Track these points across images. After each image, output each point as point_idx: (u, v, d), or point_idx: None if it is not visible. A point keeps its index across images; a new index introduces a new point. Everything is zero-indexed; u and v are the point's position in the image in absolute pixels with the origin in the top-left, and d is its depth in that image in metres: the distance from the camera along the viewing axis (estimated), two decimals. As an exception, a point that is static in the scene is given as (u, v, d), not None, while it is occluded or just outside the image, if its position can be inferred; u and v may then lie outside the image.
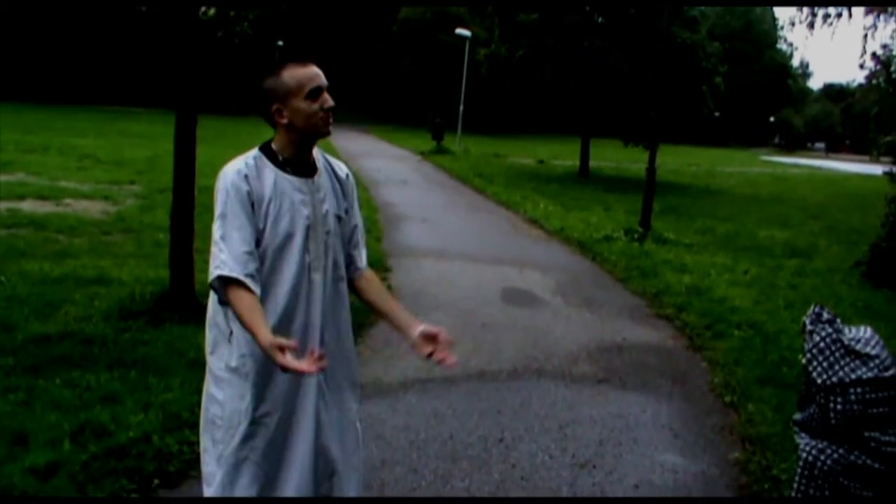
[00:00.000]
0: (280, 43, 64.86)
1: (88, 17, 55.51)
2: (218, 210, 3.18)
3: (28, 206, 13.30)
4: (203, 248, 9.99)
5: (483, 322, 8.73)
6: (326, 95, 3.25)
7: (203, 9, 8.08)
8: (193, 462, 4.75)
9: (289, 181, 3.28)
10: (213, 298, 3.34)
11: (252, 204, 3.18)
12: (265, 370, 3.21)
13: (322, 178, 3.40)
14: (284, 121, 3.24)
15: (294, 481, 3.32)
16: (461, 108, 41.03)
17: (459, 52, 43.94)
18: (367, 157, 31.95)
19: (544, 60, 29.37)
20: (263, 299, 3.18)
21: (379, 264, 10.91)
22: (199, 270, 7.98)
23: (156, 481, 4.56)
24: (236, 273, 3.07)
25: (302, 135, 3.28)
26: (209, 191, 3.38)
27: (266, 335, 2.90)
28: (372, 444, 5.24)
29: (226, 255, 3.11)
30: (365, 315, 8.25)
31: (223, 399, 3.31)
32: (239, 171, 3.20)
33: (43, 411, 5.17)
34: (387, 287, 9.87)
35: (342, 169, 3.54)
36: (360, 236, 3.60)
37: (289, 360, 2.79)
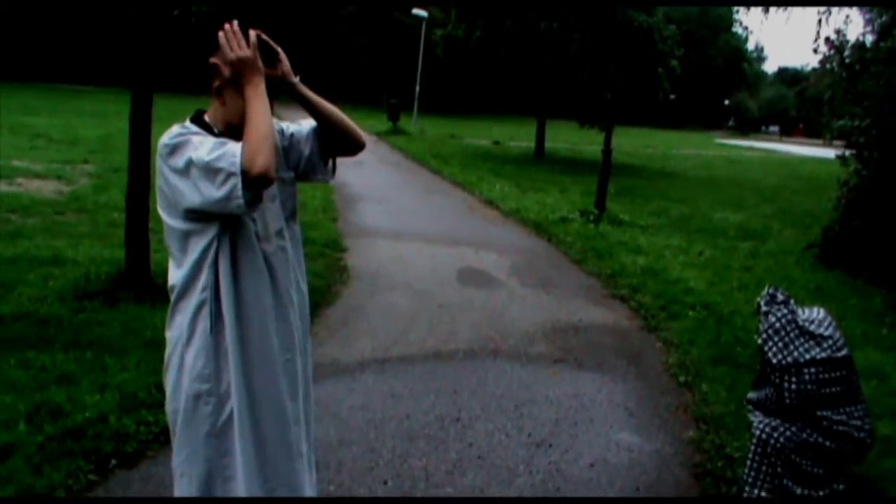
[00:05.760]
0: (235, 22, 64.41)
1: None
2: None
3: (-21, 185, 13.09)
4: (158, 228, 9.94)
5: (439, 303, 8.75)
6: None
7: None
8: (151, 442, 4.75)
9: None
10: None
11: None
12: None
13: None
14: None
15: None
16: (417, 88, 40.99)
17: (416, 33, 43.82)
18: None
19: (501, 42, 29.35)
20: None
21: (335, 244, 10.91)
22: (155, 250, 7.92)
23: (113, 462, 4.52)
24: None
25: None
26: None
27: None
28: (329, 424, 5.26)
29: None
30: (321, 296, 8.28)
31: None
32: None
33: (-3, 392, 5.12)
34: (342, 266, 9.89)
35: None
36: None
37: None
